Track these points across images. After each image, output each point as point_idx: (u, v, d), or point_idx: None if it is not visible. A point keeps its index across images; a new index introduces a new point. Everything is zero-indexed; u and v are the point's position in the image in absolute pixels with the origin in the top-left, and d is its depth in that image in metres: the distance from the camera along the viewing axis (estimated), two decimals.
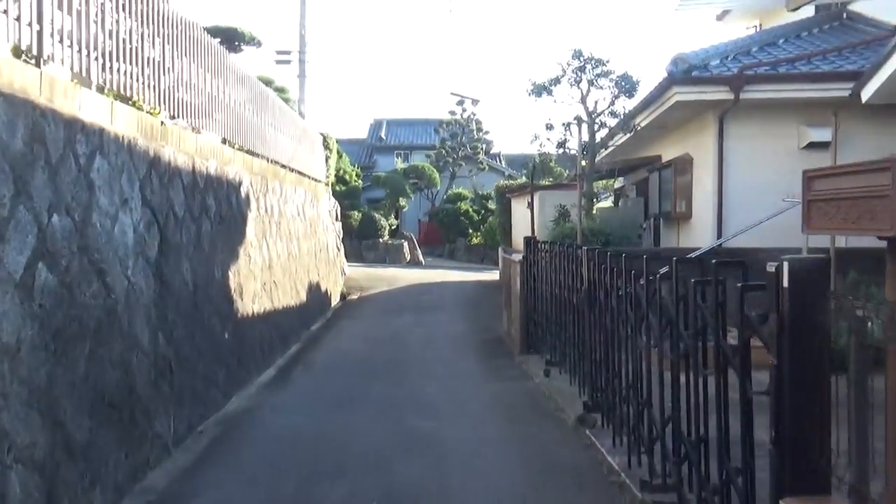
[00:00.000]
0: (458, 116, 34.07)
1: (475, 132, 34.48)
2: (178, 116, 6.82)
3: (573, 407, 6.28)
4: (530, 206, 12.59)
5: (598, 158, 11.57)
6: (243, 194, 8.76)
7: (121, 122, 5.37)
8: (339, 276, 17.25)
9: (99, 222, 4.80)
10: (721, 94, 9.54)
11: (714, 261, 3.61)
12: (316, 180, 15.75)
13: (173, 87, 6.65)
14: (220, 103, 8.18)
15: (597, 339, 5.81)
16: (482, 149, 34.82)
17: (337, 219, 18.66)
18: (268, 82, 16.11)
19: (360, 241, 26.19)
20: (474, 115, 34.27)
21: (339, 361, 9.34)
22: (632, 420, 4.85)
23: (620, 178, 15.19)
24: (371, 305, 14.94)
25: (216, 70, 8.03)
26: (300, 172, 13.62)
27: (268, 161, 10.76)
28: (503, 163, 37.82)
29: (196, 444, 5.76)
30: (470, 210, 31.55)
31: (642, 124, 10.90)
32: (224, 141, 8.37)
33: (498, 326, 11.71)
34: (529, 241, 8.74)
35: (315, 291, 13.18)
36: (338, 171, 26.77)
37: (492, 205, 32.89)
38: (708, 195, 10.05)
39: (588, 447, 5.51)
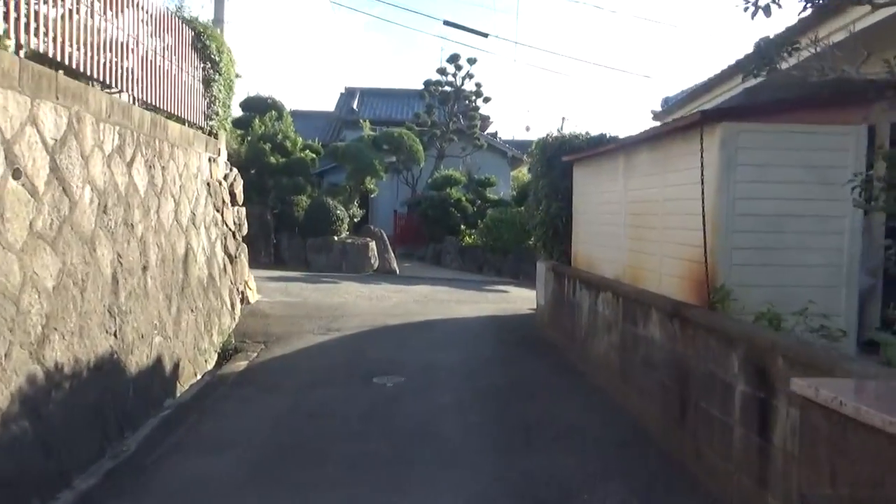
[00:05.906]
0: (450, 77, 25.59)
1: (472, 99, 25.92)
2: None
3: None
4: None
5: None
6: None
7: None
8: (223, 313, 8.71)
9: None
10: None
11: None
12: (158, 111, 7.23)
13: None
14: None
15: None
16: (479, 122, 26.28)
17: (235, 201, 10.04)
18: None
19: (305, 240, 17.62)
20: (471, 76, 25.75)
21: None
22: None
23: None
24: (257, 409, 6.22)
25: None
26: (55, 62, 5.09)
27: None
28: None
29: None
30: (463, 199, 23.09)
31: None
32: None
33: None
34: None
35: (72, 398, 4.70)
36: (275, 133, 18.21)
37: (491, 193, 24.59)
38: None
39: None
